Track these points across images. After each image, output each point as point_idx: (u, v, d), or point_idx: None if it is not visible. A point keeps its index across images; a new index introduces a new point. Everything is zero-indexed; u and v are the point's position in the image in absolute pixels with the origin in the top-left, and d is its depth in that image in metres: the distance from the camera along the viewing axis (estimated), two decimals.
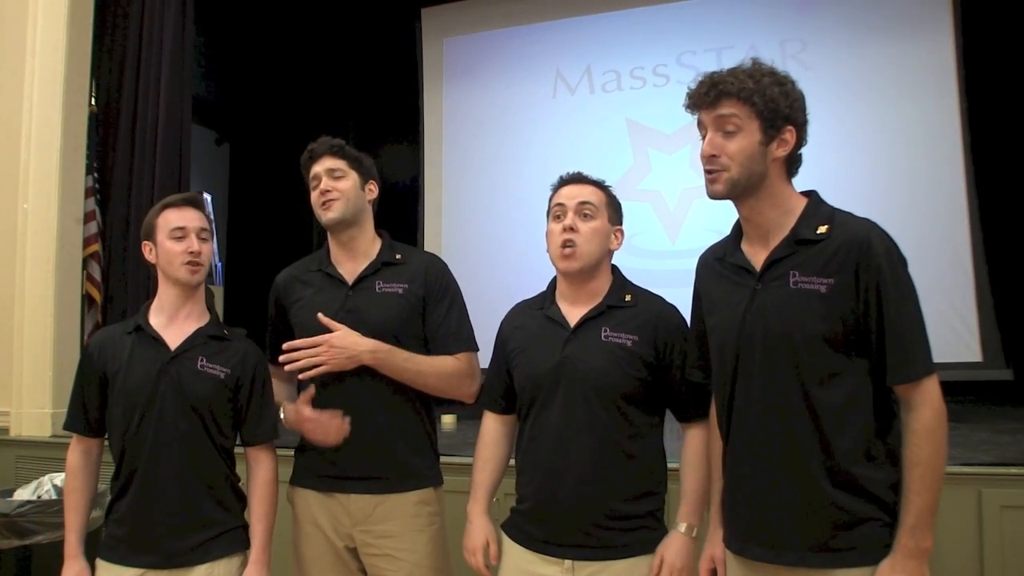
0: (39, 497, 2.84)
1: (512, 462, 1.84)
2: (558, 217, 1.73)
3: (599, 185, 1.77)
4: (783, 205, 1.46)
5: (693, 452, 1.69)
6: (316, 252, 2.07)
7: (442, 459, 2.02)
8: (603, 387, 1.64)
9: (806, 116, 1.46)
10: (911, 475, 1.34)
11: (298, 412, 1.88)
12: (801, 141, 1.46)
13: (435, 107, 5.41)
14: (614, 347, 1.67)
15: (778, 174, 1.46)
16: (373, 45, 5.86)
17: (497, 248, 4.98)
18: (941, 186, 4.29)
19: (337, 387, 1.87)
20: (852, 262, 1.37)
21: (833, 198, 1.50)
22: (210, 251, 1.88)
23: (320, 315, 1.88)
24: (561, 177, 1.79)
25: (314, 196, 1.96)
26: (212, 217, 2.06)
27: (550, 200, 1.77)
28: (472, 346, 1.98)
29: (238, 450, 1.89)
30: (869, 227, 1.40)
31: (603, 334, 1.68)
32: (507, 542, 1.75)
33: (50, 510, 2.63)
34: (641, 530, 1.65)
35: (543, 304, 1.79)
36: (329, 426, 1.84)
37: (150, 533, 1.75)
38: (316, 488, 1.92)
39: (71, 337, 3.59)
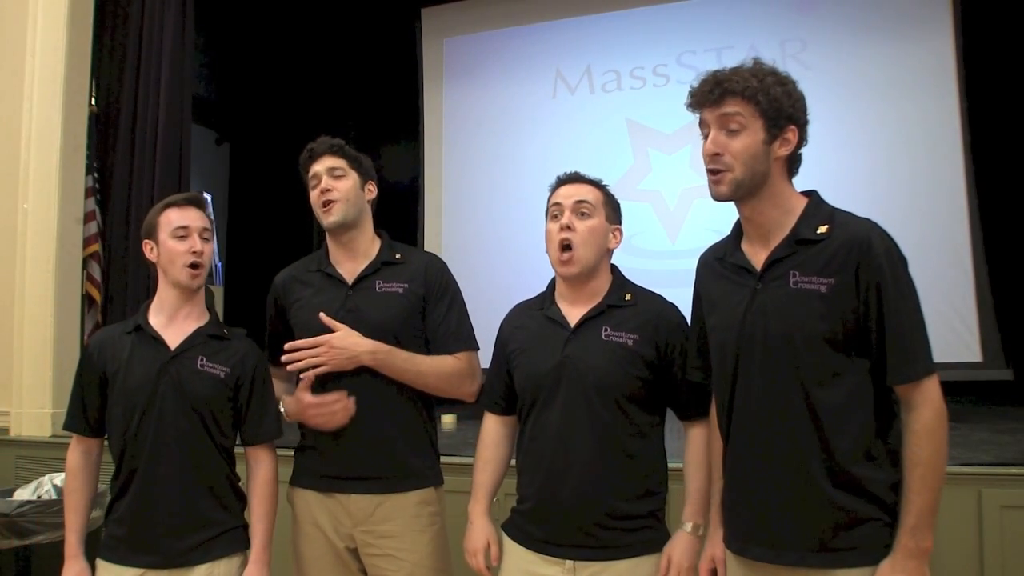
0: (39, 497, 2.84)
1: (513, 462, 1.84)
2: (555, 217, 1.73)
3: (596, 184, 1.77)
4: (784, 205, 1.46)
5: (696, 451, 1.69)
6: (315, 252, 2.07)
7: (442, 459, 2.01)
8: (604, 387, 1.64)
9: (807, 116, 1.47)
10: (911, 475, 1.34)
11: (299, 400, 1.87)
12: (802, 141, 1.47)
13: (435, 107, 5.41)
14: (615, 346, 1.67)
15: (779, 174, 1.46)
16: (373, 45, 5.86)
17: (497, 248, 4.98)
18: (941, 186, 4.29)
19: (337, 387, 1.86)
20: (852, 262, 1.37)
21: (833, 198, 1.50)
22: (211, 251, 1.88)
23: (322, 314, 1.87)
24: (558, 177, 1.79)
25: (314, 196, 1.96)
26: (213, 217, 2.06)
27: (548, 200, 1.77)
28: (472, 345, 1.98)
29: (238, 450, 1.89)
30: (869, 227, 1.40)
31: (603, 334, 1.68)
32: (508, 542, 1.75)
33: (50, 510, 2.63)
34: (642, 530, 1.65)
35: (543, 304, 1.79)
36: (333, 408, 1.84)
37: (150, 533, 1.75)
38: (316, 488, 1.91)
39: (71, 337, 3.58)
